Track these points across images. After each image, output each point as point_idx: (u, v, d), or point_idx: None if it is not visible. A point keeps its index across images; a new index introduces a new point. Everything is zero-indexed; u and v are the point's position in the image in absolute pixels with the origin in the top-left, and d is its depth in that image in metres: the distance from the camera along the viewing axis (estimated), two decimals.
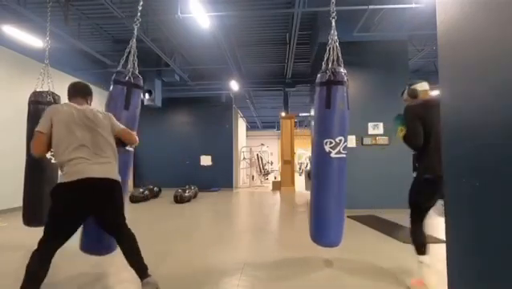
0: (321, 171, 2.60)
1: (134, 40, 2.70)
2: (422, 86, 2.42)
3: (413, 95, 2.46)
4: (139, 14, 2.76)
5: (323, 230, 2.58)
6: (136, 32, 2.73)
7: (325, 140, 2.50)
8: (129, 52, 2.65)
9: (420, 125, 2.25)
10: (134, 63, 2.63)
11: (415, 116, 2.30)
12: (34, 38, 5.46)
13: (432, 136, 2.19)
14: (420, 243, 2.29)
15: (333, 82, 2.49)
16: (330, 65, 2.56)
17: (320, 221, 2.59)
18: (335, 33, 2.59)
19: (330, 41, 2.59)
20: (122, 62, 2.67)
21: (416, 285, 2.27)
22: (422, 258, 2.28)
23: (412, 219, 2.36)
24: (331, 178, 2.54)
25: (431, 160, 2.18)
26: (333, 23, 2.60)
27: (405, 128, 2.37)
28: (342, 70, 2.55)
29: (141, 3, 2.82)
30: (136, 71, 2.64)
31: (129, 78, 2.53)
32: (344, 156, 2.54)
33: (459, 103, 1.14)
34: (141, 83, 2.65)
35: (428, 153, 2.23)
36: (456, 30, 1.13)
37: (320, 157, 2.57)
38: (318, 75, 2.61)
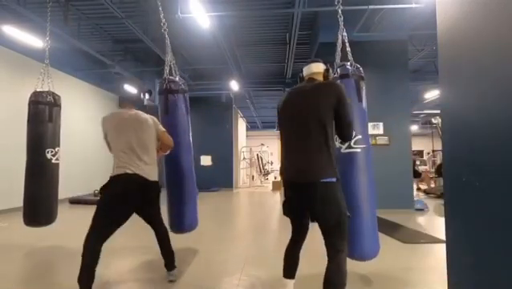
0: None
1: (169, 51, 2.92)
2: (308, 68, 1.97)
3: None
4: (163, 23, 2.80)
5: (353, 241, 2.10)
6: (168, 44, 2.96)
7: (334, 136, 2.39)
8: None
9: (278, 122, 1.97)
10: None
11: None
12: (34, 38, 5.46)
13: (286, 133, 1.86)
14: None
15: (336, 78, 2.44)
16: (337, 61, 2.51)
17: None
18: (345, 31, 2.59)
19: (339, 40, 2.58)
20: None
21: None
22: None
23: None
24: (345, 176, 2.21)
25: (282, 164, 1.86)
26: (340, 23, 2.61)
27: None
28: (348, 64, 2.48)
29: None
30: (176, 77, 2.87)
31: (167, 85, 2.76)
32: (358, 150, 2.31)
33: (459, 103, 1.14)
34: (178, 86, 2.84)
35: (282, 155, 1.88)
36: (456, 30, 1.13)
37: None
38: (338, 68, 2.55)
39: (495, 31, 0.93)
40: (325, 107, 1.68)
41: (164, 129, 2.37)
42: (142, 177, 2.10)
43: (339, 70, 2.44)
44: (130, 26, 5.45)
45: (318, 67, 1.93)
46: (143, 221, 2.33)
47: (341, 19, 2.58)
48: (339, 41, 2.60)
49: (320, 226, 1.67)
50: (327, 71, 1.93)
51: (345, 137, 1.81)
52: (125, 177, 2.06)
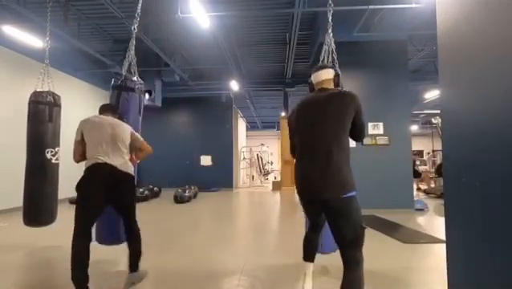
0: None
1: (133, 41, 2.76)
2: (318, 76, 1.90)
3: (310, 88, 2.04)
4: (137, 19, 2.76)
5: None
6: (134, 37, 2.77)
7: None
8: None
9: (290, 134, 1.97)
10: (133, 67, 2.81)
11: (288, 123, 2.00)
12: (34, 38, 5.46)
13: (298, 142, 1.86)
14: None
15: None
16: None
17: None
18: (331, 34, 2.56)
19: (325, 42, 2.55)
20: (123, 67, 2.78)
21: None
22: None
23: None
24: None
25: (296, 177, 1.85)
26: (329, 29, 2.57)
27: None
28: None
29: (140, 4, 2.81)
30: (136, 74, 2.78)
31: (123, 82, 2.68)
32: None
33: (459, 103, 1.14)
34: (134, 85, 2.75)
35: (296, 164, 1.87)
36: (456, 30, 1.13)
37: None
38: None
39: (495, 31, 0.93)
40: (344, 119, 1.66)
41: (142, 139, 2.47)
42: (113, 166, 2.17)
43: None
44: (130, 26, 5.45)
45: (328, 74, 1.88)
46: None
47: (330, 21, 2.53)
48: (326, 41, 2.55)
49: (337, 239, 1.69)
50: (337, 76, 1.90)
51: (359, 139, 1.82)
52: (96, 166, 2.15)
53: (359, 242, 1.64)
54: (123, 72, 2.73)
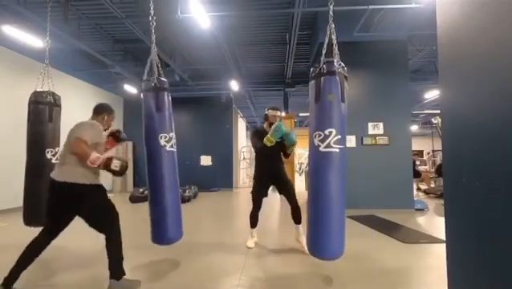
0: (311, 168, 2.35)
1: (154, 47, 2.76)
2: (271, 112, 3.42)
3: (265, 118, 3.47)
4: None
5: (317, 240, 2.24)
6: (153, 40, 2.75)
7: (314, 134, 2.30)
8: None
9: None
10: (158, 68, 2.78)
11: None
12: (34, 38, 5.45)
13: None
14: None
15: (322, 74, 2.32)
16: (323, 58, 2.39)
17: (313, 228, 2.27)
18: (334, 30, 2.52)
19: (326, 38, 2.50)
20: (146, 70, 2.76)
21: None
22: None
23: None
24: (321, 175, 2.25)
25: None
26: (329, 26, 2.54)
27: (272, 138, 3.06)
28: (335, 60, 2.35)
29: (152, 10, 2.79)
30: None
31: (156, 84, 2.70)
32: (336, 150, 2.22)
33: (459, 103, 1.14)
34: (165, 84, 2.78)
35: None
36: (456, 30, 1.13)
37: (311, 153, 2.36)
38: (311, 69, 2.47)
39: (495, 31, 0.93)
40: None
41: (79, 136, 2.20)
42: (52, 179, 2.20)
43: (325, 66, 2.33)
44: (130, 26, 5.46)
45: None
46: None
47: (331, 20, 2.47)
48: (327, 40, 2.50)
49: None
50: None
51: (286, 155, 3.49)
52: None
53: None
54: (149, 73, 2.72)
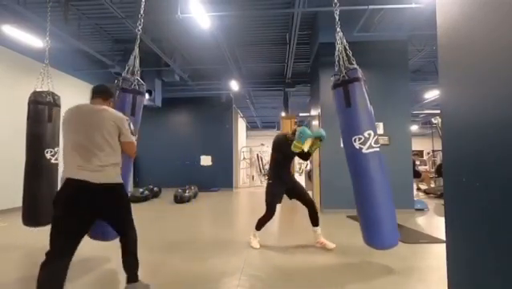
0: (357, 170, 2.54)
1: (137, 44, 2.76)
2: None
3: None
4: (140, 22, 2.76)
5: (373, 232, 2.54)
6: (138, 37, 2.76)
7: (353, 138, 2.47)
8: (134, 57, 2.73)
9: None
10: (138, 69, 2.73)
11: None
12: (34, 38, 5.45)
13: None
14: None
15: (348, 81, 2.52)
16: (342, 64, 2.58)
17: (369, 223, 2.53)
18: (341, 32, 2.61)
19: (338, 41, 2.61)
20: (127, 68, 2.72)
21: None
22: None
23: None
24: (368, 175, 2.47)
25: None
26: (338, 26, 2.62)
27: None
28: (355, 67, 2.58)
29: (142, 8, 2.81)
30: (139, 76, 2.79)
31: (135, 86, 2.70)
32: (377, 149, 2.48)
33: (459, 103, 1.14)
34: (145, 89, 2.81)
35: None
36: (456, 30, 1.13)
37: (353, 156, 2.53)
38: (332, 78, 2.64)
39: (495, 31, 0.93)
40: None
41: (129, 134, 2.04)
42: (93, 183, 1.85)
43: (349, 73, 2.53)
44: (130, 26, 5.45)
45: None
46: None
47: (338, 23, 2.59)
48: (338, 42, 2.62)
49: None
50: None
51: None
52: (75, 183, 1.83)
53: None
54: (125, 73, 2.72)
